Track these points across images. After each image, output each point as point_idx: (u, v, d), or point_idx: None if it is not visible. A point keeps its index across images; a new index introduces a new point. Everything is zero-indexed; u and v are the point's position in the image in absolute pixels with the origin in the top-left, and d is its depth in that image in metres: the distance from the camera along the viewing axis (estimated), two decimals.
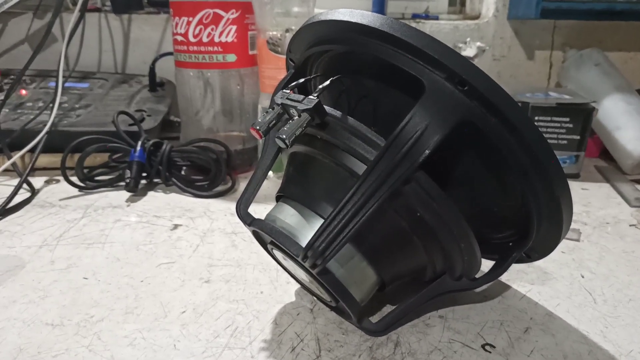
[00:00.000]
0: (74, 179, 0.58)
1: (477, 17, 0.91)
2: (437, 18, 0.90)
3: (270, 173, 0.63)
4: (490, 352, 0.32)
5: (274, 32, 0.56)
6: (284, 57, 0.39)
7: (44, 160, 0.64)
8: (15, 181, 0.58)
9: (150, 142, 0.58)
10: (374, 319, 0.35)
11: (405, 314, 0.33)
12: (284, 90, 0.31)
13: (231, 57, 0.61)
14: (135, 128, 0.64)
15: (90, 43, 0.86)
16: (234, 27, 0.60)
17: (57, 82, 0.67)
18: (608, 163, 0.72)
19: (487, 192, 0.32)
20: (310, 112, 0.28)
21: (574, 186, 0.63)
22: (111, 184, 0.60)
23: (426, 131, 0.26)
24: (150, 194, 0.58)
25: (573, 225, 0.51)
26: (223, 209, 0.54)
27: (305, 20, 0.33)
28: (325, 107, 0.29)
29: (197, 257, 0.43)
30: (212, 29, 0.60)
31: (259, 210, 0.54)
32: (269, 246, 0.33)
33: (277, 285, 0.39)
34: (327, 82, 0.30)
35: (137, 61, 0.88)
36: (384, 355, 0.31)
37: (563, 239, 0.32)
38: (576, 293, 0.39)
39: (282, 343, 0.32)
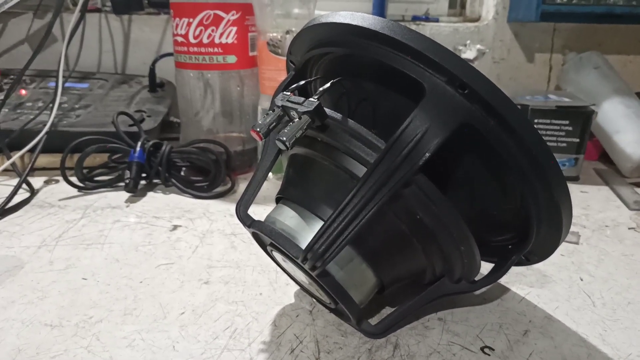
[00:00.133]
0: (74, 179, 0.58)
1: (477, 19, 0.91)
2: (437, 20, 0.90)
3: (270, 175, 0.63)
4: (489, 355, 0.32)
5: (274, 34, 0.56)
6: (284, 58, 0.39)
7: (44, 160, 0.64)
8: (15, 181, 0.58)
9: (150, 143, 0.58)
10: (373, 321, 0.35)
11: (405, 316, 0.33)
12: (285, 93, 0.31)
13: (231, 59, 0.62)
14: (135, 129, 0.64)
15: (91, 43, 0.86)
16: (235, 29, 0.60)
17: (57, 82, 0.67)
18: (607, 166, 0.72)
19: (487, 194, 0.32)
20: (310, 115, 0.28)
21: (574, 189, 0.63)
22: (110, 185, 0.60)
23: (426, 134, 0.26)
24: (150, 194, 0.58)
25: (572, 228, 0.51)
26: (222, 210, 0.54)
27: (305, 22, 0.33)
28: (326, 109, 0.29)
29: (197, 259, 0.43)
30: (212, 30, 0.60)
31: (258, 211, 0.54)
32: (269, 248, 0.33)
33: (276, 287, 0.39)
34: (328, 85, 0.30)
35: (137, 62, 0.88)
36: (383, 357, 0.31)
37: (562, 242, 0.32)
38: (575, 296, 0.39)
39: (281, 345, 0.32)
